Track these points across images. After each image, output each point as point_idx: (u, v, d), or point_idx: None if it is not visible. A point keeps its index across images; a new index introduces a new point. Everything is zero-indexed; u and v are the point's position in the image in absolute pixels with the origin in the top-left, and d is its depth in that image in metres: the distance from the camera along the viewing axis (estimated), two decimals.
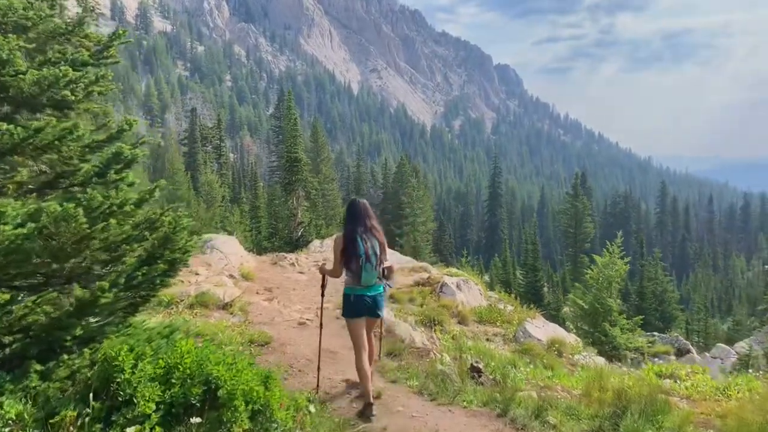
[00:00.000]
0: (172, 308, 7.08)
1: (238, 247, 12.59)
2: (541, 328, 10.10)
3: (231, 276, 10.25)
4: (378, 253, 5.12)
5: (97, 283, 3.22)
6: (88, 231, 3.14)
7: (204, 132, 71.32)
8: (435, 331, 8.48)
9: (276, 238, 30.25)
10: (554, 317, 36.10)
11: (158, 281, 3.70)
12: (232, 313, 7.29)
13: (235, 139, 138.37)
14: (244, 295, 8.77)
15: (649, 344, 19.02)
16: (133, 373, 3.18)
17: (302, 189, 30.47)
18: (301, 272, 11.66)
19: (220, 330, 6.19)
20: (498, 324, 9.95)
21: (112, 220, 3.24)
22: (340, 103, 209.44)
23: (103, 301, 3.22)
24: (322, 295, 5.84)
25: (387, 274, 5.24)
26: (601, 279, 19.59)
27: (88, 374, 3.27)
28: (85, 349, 3.31)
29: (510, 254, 59.32)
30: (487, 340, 9.44)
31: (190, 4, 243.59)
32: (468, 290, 11.12)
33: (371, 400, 5.01)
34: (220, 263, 11.28)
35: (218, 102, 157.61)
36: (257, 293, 9.57)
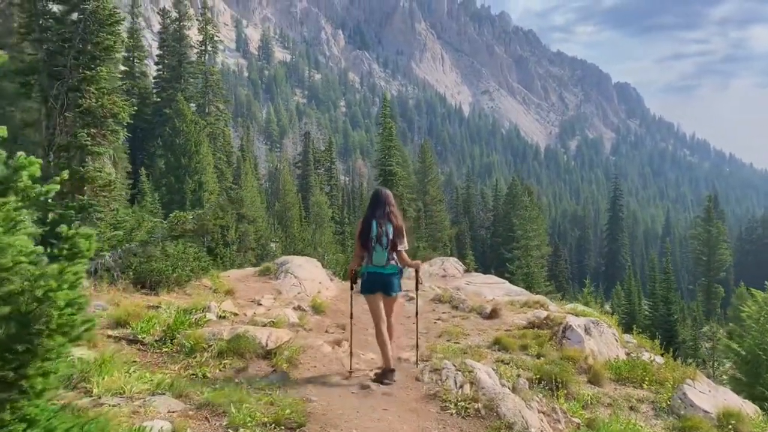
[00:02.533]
0: (195, 356, 5.31)
1: (318, 272, 10.80)
2: (706, 395, 7.33)
3: (298, 308, 8.42)
4: (390, 236, 5.59)
5: None
6: None
7: (317, 155, 73.55)
8: (558, 397, 6.10)
9: None
10: (692, 356, 31.57)
11: None
12: (274, 366, 5.36)
13: (348, 163, 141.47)
14: (304, 336, 6.87)
15: None
16: None
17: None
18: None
19: (239, 398, 4.28)
20: (645, 385, 7.31)
21: None
22: (450, 125, 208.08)
23: None
24: (351, 288, 6.28)
25: (398, 257, 5.68)
26: (762, 319, 15.98)
27: None
28: None
29: (635, 283, 54.30)
30: (631, 408, 6.92)
31: (308, 34, 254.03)
32: (599, 335, 8.54)
33: (391, 366, 5.50)
34: (292, 291, 9.53)
35: (333, 127, 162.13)
36: (326, 331, 7.64)
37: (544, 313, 8.97)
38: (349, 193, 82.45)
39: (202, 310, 6.89)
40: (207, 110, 51.96)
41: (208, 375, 4.92)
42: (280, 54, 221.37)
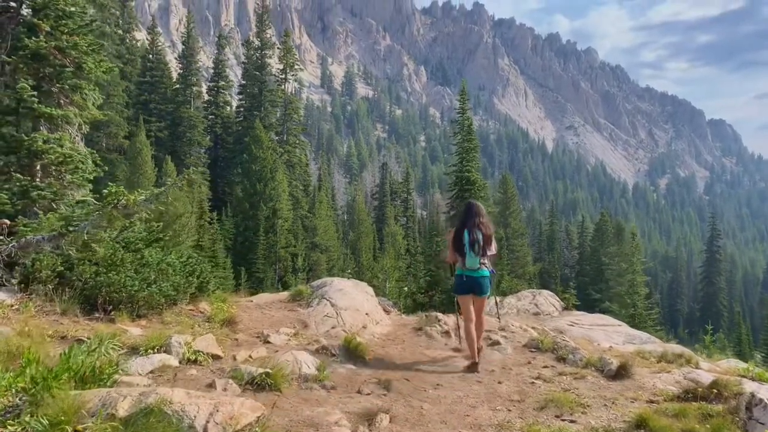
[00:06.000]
0: None
1: (366, 300, 7.95)
2: None
3: (322, 350, 5.64)
4: (481, 243, 6.13)
5: None
6: None
7: (393, 187, 72.71)
8: None
9: (437, 290, 23.76)
10: None
11: None
12: None
13: (426, 197, 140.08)
14: (313, 402, 4.07)
15: None
16: None
17: None
18: (458, 349, 6.70)
19: None
20: None
21: None
22: (533, 160, 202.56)
23: None
24: (451, 274, 6.56)
25: (490, 260, 6.28)
26: None
27: None
28: None
29: (744, 330, 48.45)
30: None
31: (391, 70, 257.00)
32: None
33: (477, 359, 5.91)
34: (325, 324, 6.76)
35: (412, 161, 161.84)
36: (358, 391, 4.79)
37: (705, 376, 5.72)
38: (427, 227, 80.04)
39: (156, 349, 4.28)
40: (286, 138, 51.38)
41: None
42: (362, 90, 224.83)
